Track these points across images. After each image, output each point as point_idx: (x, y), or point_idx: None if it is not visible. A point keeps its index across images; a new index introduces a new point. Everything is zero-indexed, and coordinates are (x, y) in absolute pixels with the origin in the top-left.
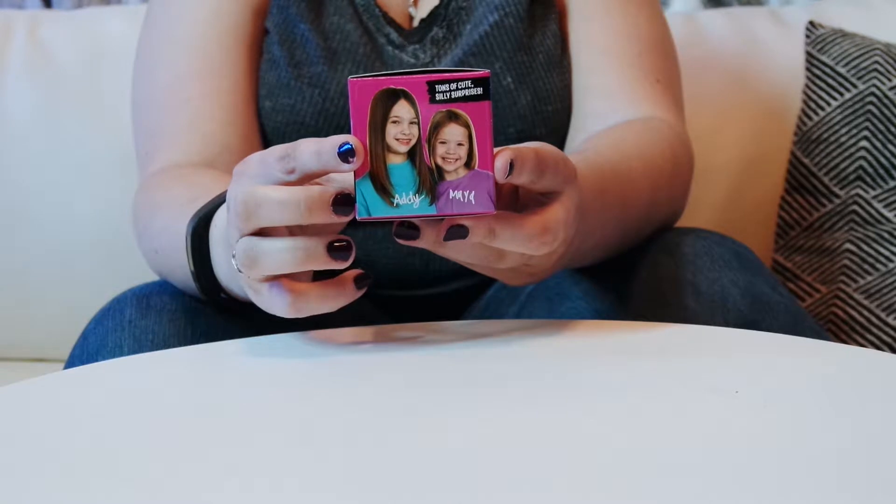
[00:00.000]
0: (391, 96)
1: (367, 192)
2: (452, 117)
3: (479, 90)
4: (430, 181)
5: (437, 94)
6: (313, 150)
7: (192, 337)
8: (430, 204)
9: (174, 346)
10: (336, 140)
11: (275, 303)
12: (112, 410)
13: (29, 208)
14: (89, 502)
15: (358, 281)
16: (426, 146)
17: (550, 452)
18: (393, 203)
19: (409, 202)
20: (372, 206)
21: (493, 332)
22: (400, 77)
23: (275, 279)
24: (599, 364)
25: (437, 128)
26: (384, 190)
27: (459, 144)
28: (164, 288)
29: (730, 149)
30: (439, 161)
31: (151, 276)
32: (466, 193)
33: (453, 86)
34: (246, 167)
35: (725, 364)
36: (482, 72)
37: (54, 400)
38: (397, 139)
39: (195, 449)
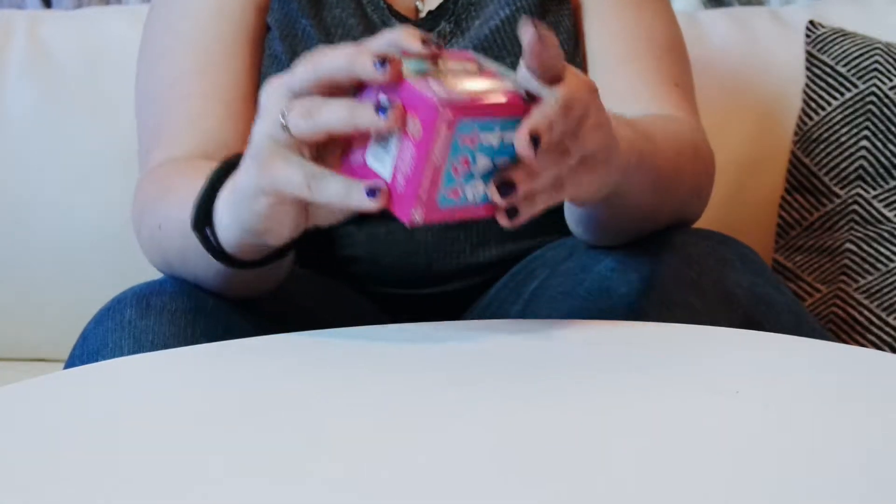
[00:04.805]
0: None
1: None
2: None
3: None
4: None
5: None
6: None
7: (192, 337)
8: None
9: (174, 347)
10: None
11: (293, 172)
12: (112, 411)
13: (29, 208)
14: (89, 502)
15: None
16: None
17: (551, 452)
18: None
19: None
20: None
21: (495, 332)
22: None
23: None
24: (602, 364)
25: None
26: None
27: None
28: (164, 288)
29: (730, 149)
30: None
31: (152, 276)
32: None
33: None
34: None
35: (728, 364)
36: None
37: (54, 400)
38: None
39: (196, 449)
